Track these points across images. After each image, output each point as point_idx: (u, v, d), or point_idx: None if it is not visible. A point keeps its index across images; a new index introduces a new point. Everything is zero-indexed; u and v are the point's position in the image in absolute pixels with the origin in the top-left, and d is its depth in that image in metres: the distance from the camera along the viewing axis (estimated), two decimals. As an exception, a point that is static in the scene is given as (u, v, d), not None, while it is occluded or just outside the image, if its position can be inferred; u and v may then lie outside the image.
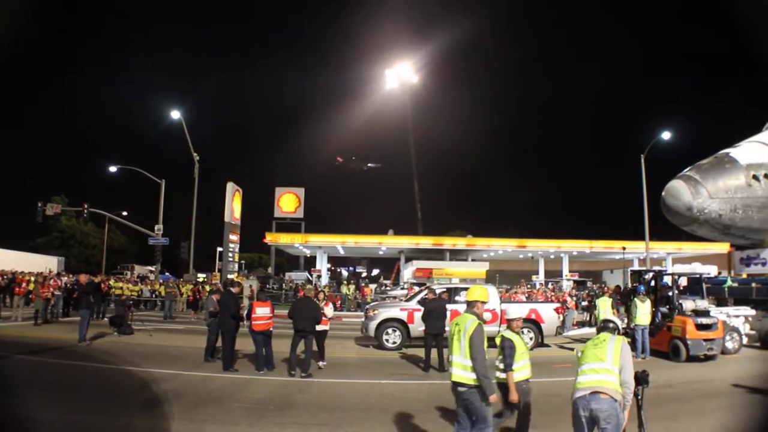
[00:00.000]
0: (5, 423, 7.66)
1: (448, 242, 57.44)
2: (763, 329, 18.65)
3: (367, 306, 22.41)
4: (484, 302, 7.01)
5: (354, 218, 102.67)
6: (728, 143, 21.94)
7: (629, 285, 28.61)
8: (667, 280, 19.13)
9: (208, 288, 30.28)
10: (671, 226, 21.89)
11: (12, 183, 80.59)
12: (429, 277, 46.89)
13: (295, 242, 53.89)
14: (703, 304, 17.94)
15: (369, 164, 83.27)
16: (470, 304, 6.97)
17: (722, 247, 41.93)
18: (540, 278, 56.63)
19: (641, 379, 6.12)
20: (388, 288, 45.62)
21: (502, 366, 7.41)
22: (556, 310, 19.33)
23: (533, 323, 17.98)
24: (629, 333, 17.21)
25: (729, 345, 17.29)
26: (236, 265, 46.23)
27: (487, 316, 17.99)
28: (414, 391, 11.88)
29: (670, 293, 17.77)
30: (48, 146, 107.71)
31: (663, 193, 20.91)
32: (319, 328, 13.88)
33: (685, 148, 45.19)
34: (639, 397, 6.13)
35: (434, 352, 14.35)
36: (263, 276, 49.76)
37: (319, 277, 53.06)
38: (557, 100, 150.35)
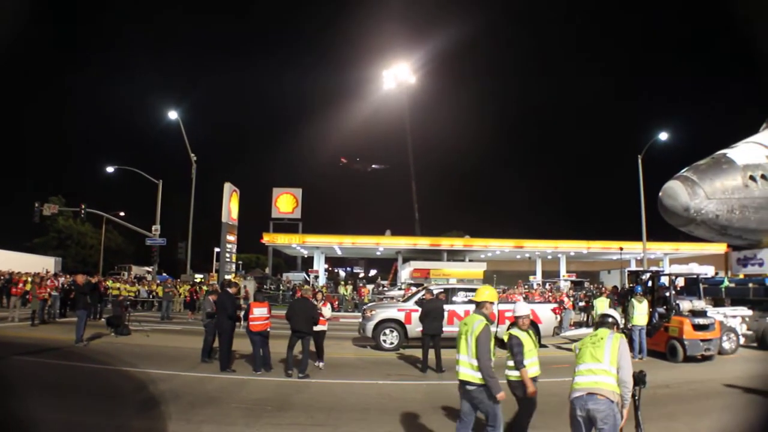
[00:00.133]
0: (3, 424, 7.65)
1: (446, 243, 57.45)
2: (760, 329, 18.68)
3: (365, 306, 22.40)
4: (492, 303, 7.12)
5: (351, 219, 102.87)
6: (725, 144, 21.98)
7: (626, 285, 28.65)
8: (665, 280, 19.15)
9: (205, 288, 30.25)
10: (668, 226, 21.94)
11: (9, 183, 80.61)
12: (426, 277, 46.94)
13: (293, 243, 53.88)
14: (700, 304, 17.96)
15: (373, 165, 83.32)
16: (479, 305, 7.10)
17: (719, 248, 41.94)
18: (537, 279, 56.70)
19: (638, 379, 6.12)
20: (385, 288, 45.58)
21: (511, 364, 7.43)
22: (554, 310, 19.32)
23: (531, 323, 17.96)
24: (626, 333, 17.23)
25: (726, 345, 17.32)
26: (233, 266, 46.25)
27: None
28: (411, 392, 11.87)
29: (667, 294, 17.80)
30: (45, 146, 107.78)
31: (660, 194, 20.95)
32: (317, 328, 13.88)
33: (682, 149, 45.29)
34: (636, 398, 6.13)
35: (432, 352, 14.32)
36: (260, 276, 49.77)
37: (316, 277, 53.08)
38: (554, 101, 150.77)
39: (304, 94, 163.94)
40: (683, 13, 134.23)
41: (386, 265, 73.18)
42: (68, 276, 29.86)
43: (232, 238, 44.06)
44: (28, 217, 40.69)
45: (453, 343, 16.26)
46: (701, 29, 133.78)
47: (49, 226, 62.55)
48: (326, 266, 66.50)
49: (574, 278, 54.12)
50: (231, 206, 43.59)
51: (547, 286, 47.71)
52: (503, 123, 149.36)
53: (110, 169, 43.65)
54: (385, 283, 54.58)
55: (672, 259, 57.33)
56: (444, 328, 14.97)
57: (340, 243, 54.80)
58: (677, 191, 20.13)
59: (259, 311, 13.47)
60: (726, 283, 23.32)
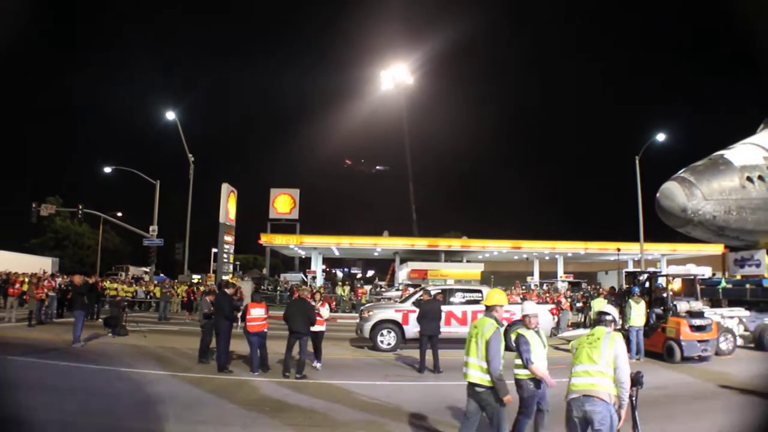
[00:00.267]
0: (-1, 424, 7.64)
1: (443, 243, 57.49)
2: (757, 330, 18.72)
3: (362, 307, 22.40)
4: (502, 306, 7.28)
5: (349, 219, 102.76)
6: (723, 145, 21.99)
7: (624, 286, 28.67)
8: (662, 281, 19.17)
9: (202, 289, 30.24)
10: (666, 227, 21.91)
11: (6, 183, 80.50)
12: (424, 278, 47.03)
13: (290, 243, 53.91)
14: (697, 305, 17.98)
15: (378, 167, 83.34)
16: (489, 308, 7.27)
17: (716, 249, 42.12)
18: (535, 279, 56.80)
19: (636, 380, 6.11)
20: (383, 289, 45.61)
21: (519, 362, 7.51)
22: (551, 311, 19.38)
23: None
24: (624, 334, 17.25)
25: (723, 346, 17.34)
26: (231, 266, 46.25)
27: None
28: (409, 392, 11.88)
29: (665, 294, 17.83)
30: (43, 146, 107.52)
31: (657, 195, 20.93)
32: (315, 328, 13.89)
33: (680, 150, 45.28)
34: (633, 398, 6.12)
35: (429, 353, 14.32)
36: (258, 277, 49.75)
37: (314, 278, 53.10)
38: (552, 101, 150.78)
39: (302, 94, 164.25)
40: (682, 14, 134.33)
41: (384, 266, 73.28)
42: (65, 276, 29.87)
43: (229, 238, 44.13)
44: (26, 218, 40.69)
45: (450, 344, 16.36)
46: (699, 29, 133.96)
47: (46, 226, 62.50)
48: (324, 267, 66.58)
49: (571, 279, 54.26)
50: (228, 207, 43.65)
51: (545, 287, 47.79)
52: (501, 123, 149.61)
53: (108, 170, 43.66)
54: (382, 283, 54.62)
55: (669, 259, 57.42)
56: (441, 329, 14.98)
57: (337, 244, 54.83)
58: (674, 192, 20.12)
59: (257, 312, 13.47)
60: (723, 284, 23.35)
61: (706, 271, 35.44)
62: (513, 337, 7.81)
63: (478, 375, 6.80)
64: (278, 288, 44.47)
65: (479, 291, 19.28)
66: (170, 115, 39.69)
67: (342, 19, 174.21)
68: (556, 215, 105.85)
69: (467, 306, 18.47)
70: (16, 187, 72.79)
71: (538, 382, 7.37)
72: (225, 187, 42.64)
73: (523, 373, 7.44)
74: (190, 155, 40.12)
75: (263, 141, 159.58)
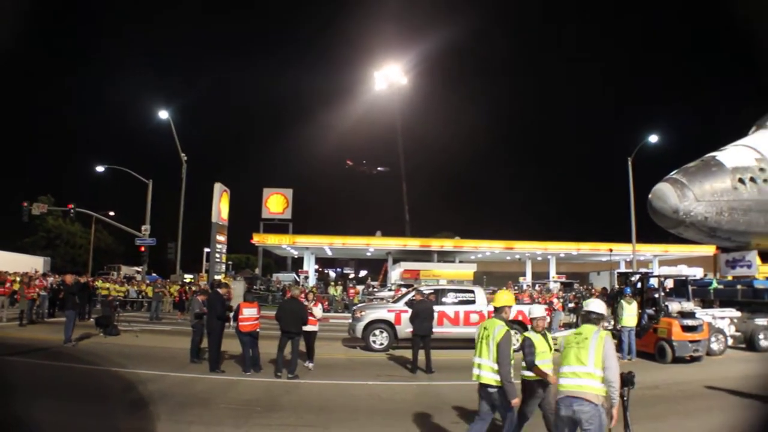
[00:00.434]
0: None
1: (436, 244, 57.51)
2: (748, 331, 18.79)
3: (355, 307, 22.38)
4: (510, 307, 7.49)
5: (342, 219, 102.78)
6: (715, 146, 22.09)
7: (616, 287, 28.74)
8: (654, 282, 19.23)
9: (194, 289, 30.16)
10: (658, 228, 22.01)
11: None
12: (416, 278, 46.97)
13: (283, 243, 53.84)
14: (688, 305, 18.04)
15: (378, 168, 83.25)
16: (498, 310, 7.41)
17: (708, 250, 42.13)
18: (527, 280, 56.83)
19: (627, 380, 6.12)
20: (375, 289, 45.58)
21: (524, 364, 7.62)
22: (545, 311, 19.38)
23: (520, 324, 17.96)
24: (616, 334, 17.30)
25: (714, 346, 17.41)
26: (223, 266, 46.11)
27: (474, 318, 18.14)
28: (401, 392, 11.88)
29: (656, 295, 17.88)
30: (35, 145, 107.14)
31: (650, 196, 21.02)
32: (308, 328, 13.87)
33: (673, 151, 45.49)
34: (625, 398, 6.13)
35: (422, 353, 14.32)
36: (250, 277, 49.67)
37: (306, 278, 53.01)
38: (546, 102, 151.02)
39: (296, 94, 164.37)
40: (678, 14, 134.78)
41: (376, 266, 73.22)
42: (57, 276, 29.75)
43: (222, 238, 43.93)
44: (17, 217, 40.48)
45: (443, 344, 16.39)
46: (694, 30, 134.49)
47: (38, 225, 62.24)
48: (316, 267, 66.48)
49: (563, 279, 54.33)
50: (221, 206, 43.46)
51: (537, 288, 47.83)
52: (494, 124, 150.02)
53: (100, 169, 43.41)
54: (375, 283, 54.56)
55: (661, 260, 57.60)
56: (434, 329, 14.98)
57: (330, 244, 54.80)
58: (667, 193, 20.21)
59: (249, 312, 13.44)
60: (714, 284, 23.45)
61: (697, 272, 35.64)
62: (520, 339, 7.90)
63: (490, 376, 6.95)
64: (270, 288, 44.41)
65: (471, 291, 19.29)
66: (163, 114, 39.55)
67: (338, 19, 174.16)
68: (548, 216, 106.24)
69: (460, 306, 18.48)
70: (6, 186, 72.50)
71: (545, 384, 7.42)
72: (218, 187, 42.47)
73: (528, 374, 7.53)
74: (182, 154, 40.00)
75: (257, 141, 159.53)
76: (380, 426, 9.10)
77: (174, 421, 8.99)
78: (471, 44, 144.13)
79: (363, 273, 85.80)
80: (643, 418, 8.47)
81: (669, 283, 21.04)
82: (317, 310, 14.75)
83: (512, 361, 6.89)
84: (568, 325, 26.62)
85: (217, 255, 42.79)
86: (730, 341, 18.36)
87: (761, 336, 18.56)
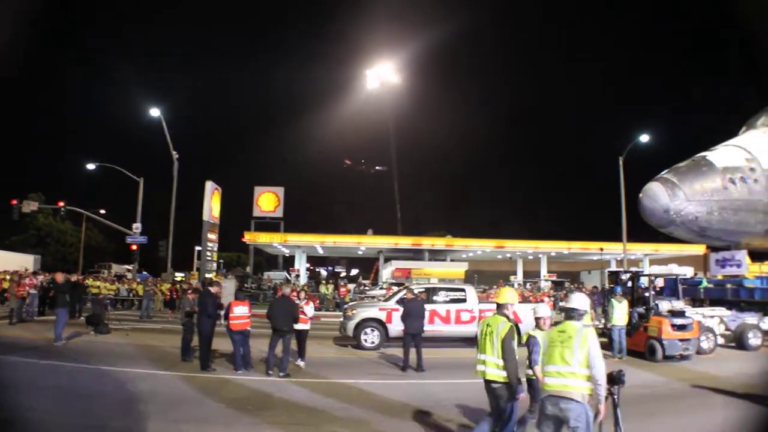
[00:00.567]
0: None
1: (427, 242, 57.45)
2: (737, 329, 18.90)
3: (346, 306, 22.38)
4: (513, 305, 7.47)
5: (334, 218, 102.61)
6: (705, 146, 22.21)
7: (606, 286, 28.81)
8: (644, 281, 19.30)
9: (185, 287, 30.09)
10: (648, 227, 22.12)
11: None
12: (408, 277, 46.99)
13: (274, 242, 53.71)
14: (678, 304, 18.12)
15: (377, 167, 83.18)
16: (500, 306, 7.43)
17: (698, 249, 42.47)
18: (518, 279, 56.92)
19: (617, 378, 6.15)
20: (366, 288, 45.58)
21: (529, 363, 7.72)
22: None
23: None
24: (606, 333, 17.38)
25: (704, 345, 17.50)
26: (215, 264, 46.03)
27: (465, 316, 18.18)
28: (392, 391, 11.87)
29: (647, 294, 17.96)
30: (25, 142, 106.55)
31: (640, 195, 21.13)
32: (300, 327, 13.89)
33: (663, 151, 45.58)
34: (615, 397, 6.15)
35: (413, 351, 14.33)
36: (241, 275, 49.54)
37: (297, 276, 52.93)
38: (537, 101, 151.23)
39: (288, 93, 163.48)
40: (672, 14, 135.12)
41: (368, 265, 73.19)
42: (47, 274, 29.62)
43: (213, 236, 43.87)
44: (7, 215, 40.28)
45: (434, 342, 16.43)
46: (686, 30, 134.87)
47: (28, 223, 61.83)
48: (308, 265, 66.38)
49: (554, 278, 54.45)
50: (212, 204, 43.40)
51: (528, 286, 47.94)
52: (487, 123, 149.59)
53: (91, 166, 43.23)
54: (366, 282, 54.57)
55: (652, 259, 57.77)
56: (425, 328, 15.00)
57: (321, 242, 54.72)
58: (657, 193, 20.32)
59: (240, 310, 13.43)
60: (704, 283, 23.57)
61: (688, 271, 35.77)
62: (525, 338, 7.97)
63: (495, 372, 7.00)
64: (262, 286, 44.34)
65: (463, 290, 19.34)
66: (154, 112, 39.38)
67: (331, 17, 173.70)
68: (540, 215, 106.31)
69: (451, 305, 18.52)
70: (-3, 184, 72.17)
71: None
72: (209, 185, 42.40)
73: (530, 372, 7.60)
74: (174, 152, 39.87)
75: (248, 139, 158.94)
76: (371, 424, 9.09)
77: (165, 420, 8.98)
78: (464, 44, 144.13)
79: (354, 271, 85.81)
80: (634, 416, 8.49)
81: (659, 282, 21.17)
82: (309, 309, 14.75)
83: (517, 356, 6.97)
84: (558, 324, 26.70)
85: (208, 253, 42.73)
86: (719, 340, 18.46)
87: (750, 335, 18.67)
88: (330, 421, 9.20)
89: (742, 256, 22.01)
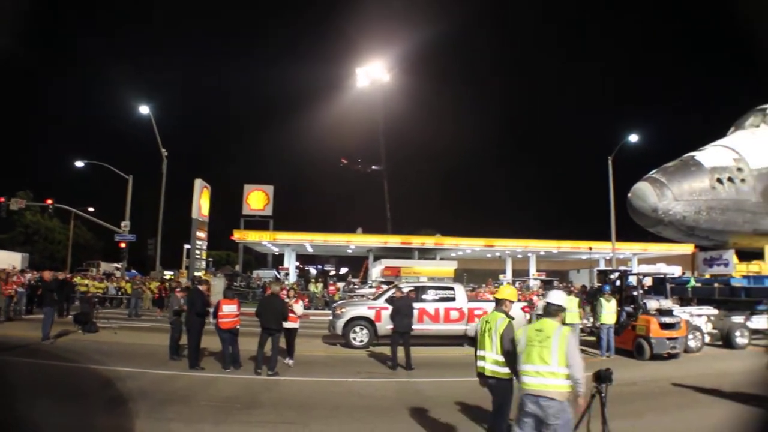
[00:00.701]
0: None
1: (417, 241, 57.57)
2: (725, 328, 19.01)
3: (335, 304, 22.37)
4: (512, 301, 7.54)
5: (324, 216, 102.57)
6: (694, 146, 22.33)
7: (595, 284, 28.94)
8: (633, 280, 19.39)
9: (174, 285, 30.00)
10: (637, 227, 22.21)
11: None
12: (397, 275, 47.06)
13: (264, 240, 53.65)
14: (666, 303, 18.21)
15: (373, 167, 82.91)
16: (499, 302, 7.48)
17: (686, 248, 42.58)
18: (507, 277, 57.07)
19: (605, 377, 6.18)
20: (356, 286, 45.62)
21: None
22: (523, 309, 19.45)
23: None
24: (595, 332, 17.45)
25: (692, 344, 17.59)
26: (204, 263, 45.94)
27: (454, 315, 18.21)
28: (381, 389, 11.90)
29: (635, 293, 18.04)
30: (13, 140, 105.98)
31: (629, 195, 21.22)
32: (289, 325, 13.87)
33: (652, 151, 45.78)
34: (603, 395, 6.18)
35: (401, 350, 14.34)
36: (230, 274, 49.45)
37: (287, 275, 52.88)
38: (527, 102, 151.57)
39: (279, 91, 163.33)
40: (655, 15, 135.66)
41: (357, 263, 73.27)
42: (35, 272, 29.47)
43: (202, 234, 43.83)
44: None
45: (424, 341, 16.43)
46: (679, 30, 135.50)
47: (16, 221, 61.47)
48: (297, 264, 66.34)
49: (543, 277, 54.61)
50: (201, 202, 43.34)
51: (517, 285, 48.07)
52: (478, 121, 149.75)
53: (80, 164, 43.04)
54: (355, 280, 54.59)
55: (640, 259, 58.09)
56: (414, 326, 15.01)
57: (311, 241, 54.70)
58: (646, 192, 20.42)
59: (229, 308, 13.39)
60: (692, 282, 23.70)
61: (676, 270, 35.98)
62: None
63: (494, 368, 7.01)
64: (251, 285, 44.27)
65: (452, 288, 19.35)
66: (144, 110, 39.26)
67: (324, 15, 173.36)
68: (529, 213, 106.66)
69: (440, 303, 18.52)
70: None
71: None
72: (198, 183, 42.34)
73: None
74: (163, 150, 39.74)
75: (238, 137, 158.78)
76: (360, 423, 9.11)
77: (153, 418, 8.94)
78: (455, 42, 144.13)
79: (344, 270, 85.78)
80: (621, 414, 8.54)
81: (647, 281, 21.28)
82: (298, 307, 14.72)
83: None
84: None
85: (198, 251, 42.67)
86: (707, 338, 18.58)
87: (737, 333, 18.78)
88: (319, 420, 9.19)
89: (730, 255, 22.15)
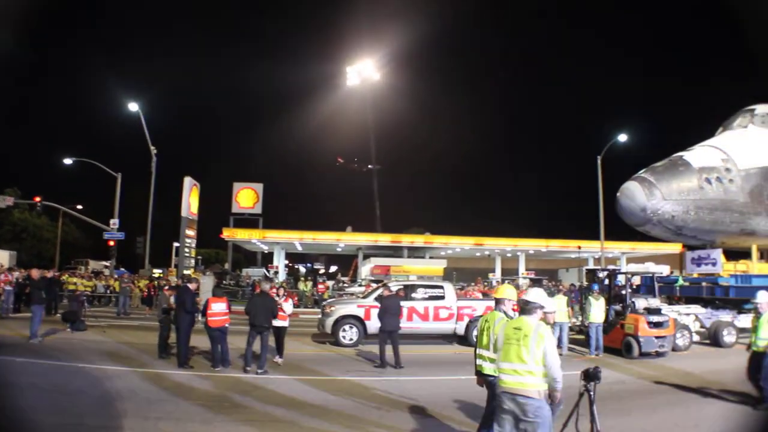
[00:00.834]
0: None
1: (406, 240, 57.50)
2: (712, 327, 19.14)
3: (325, 303, 22.36)
4: (511, 300, 7.54)
5: (313, 215, 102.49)
6: (683, 146, 22.44)
7: (584, 283, 29.02)
8: (621, 279, 19.47)
9: (162, 283, 29.90)
10: (626, 226, 22.28)
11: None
12: (387, 274, 47.09)
13: (253, 238, 53.51)
14: (655, 302, 18.30)
15: (369, 166, 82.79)
16: (498, 302, 7.55)
17: (675, 248, 42.92)
18: (497, 276, 57.14)
19: (594, 375, 6.21)
20: (345, 285, 45.60)
21: None
22: (513, 307, 19.52)
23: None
24: (584, 330, 17.51)
25: (679, 342, 17.71)
26: (193, 261, 45.81)
27: (443, 313, 18.24)
28: (370, 387, 11.88)
29: (624, 292, 18.12)
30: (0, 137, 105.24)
31: (618, 194, 21.28)
32: (278, 323, 13.87)
33: (641, 150, 46.00)
34: (591, 393, 6.22)
35: (390, 348, 14.35)
36: (220, 272, 49.35)
37: (276, 273, 52.78)
38: (517, 100, 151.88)
39: (269, 89, 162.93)
40: (647, 14, 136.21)
41: (347, 262, 73.29)
42: (23, 270, 29.30)
43: (191, 232, 43.69)
44: (-18, 210, 39.82)
45: (413, 339, 16.43)
46: (669, 30, 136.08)
47: (3, 218, 61.14)
48: (286, 262, 66.26)
49: (532, 276, 54.72)
50: (191, 200, 43.20)
51: (506, 284, 48.11)
52: (469, 121, 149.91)
53: (68, 161, 42.78)
54: (345, 279, 54.58)
55: (629, 258, 58.30)
56: (404, 325, 15.03)
57: (300, 239, 54.60)
58: (635, 192, 20.49)
59: (218, 307, 13.37)
60: (680, 281, 23.81)
61: (664, 270, 36.11)
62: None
63: (492, 367, 6.97)
64: (240, 283, 44.17)
65: (441, 287, 19.37)
66: (133, 107, 39.04)
67: (313, 12, 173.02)
68: (518, 212, 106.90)
69: (429, 302, 18.55)
70: (-28, 178, 71.09)
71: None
72: (187, 181, 42.19)
73: None
74: (152, 147, 39.57)
75: (227, 135, 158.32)
76: (349, 421, 9.10)
77: (142, 417, 8.92)
78: (447, 42, 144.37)
79: (333, 268, 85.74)
80: (610, 412, 8.60)
81: (636, 280, 21.35)
82: (287, 306, 14.71)
83: None
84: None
85: (187, 249, 42.55)
86: (695, 337, 18.71)
87: (725, 332, 18.90)
88: (308, 418, 9.19)
89: (718, 254, 22.25)
